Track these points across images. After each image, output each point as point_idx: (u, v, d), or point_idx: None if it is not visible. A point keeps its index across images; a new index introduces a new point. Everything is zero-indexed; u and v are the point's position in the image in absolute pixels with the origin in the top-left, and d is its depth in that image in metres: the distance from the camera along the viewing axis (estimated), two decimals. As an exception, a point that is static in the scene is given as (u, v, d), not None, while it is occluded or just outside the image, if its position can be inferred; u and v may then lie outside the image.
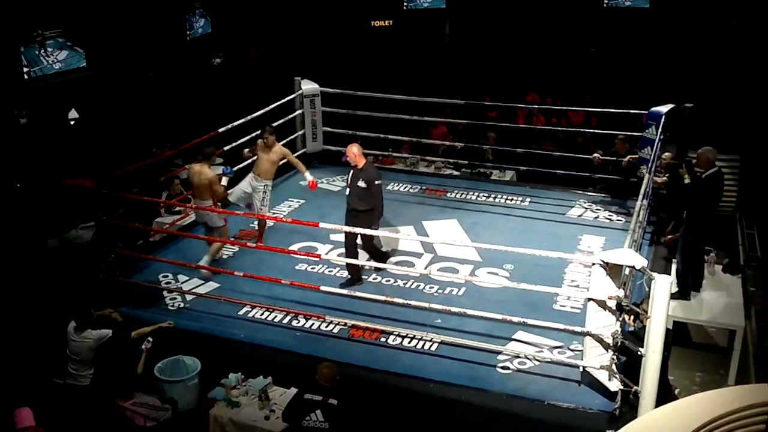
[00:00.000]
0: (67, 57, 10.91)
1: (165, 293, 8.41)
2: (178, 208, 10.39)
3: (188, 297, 8.32)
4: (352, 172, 8.38)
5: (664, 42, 14.69)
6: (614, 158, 10.72)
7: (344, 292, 7.92)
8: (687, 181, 8.11)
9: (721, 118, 12.21)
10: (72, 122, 11.20)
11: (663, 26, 14.80)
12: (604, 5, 15.68)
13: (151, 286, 8.47)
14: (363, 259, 8.69)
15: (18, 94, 10.26)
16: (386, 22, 16.58)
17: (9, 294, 8.28)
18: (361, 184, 8.22)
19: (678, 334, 8.14)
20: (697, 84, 13.20)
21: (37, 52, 10.47)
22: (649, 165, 9.31)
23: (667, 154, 9.72)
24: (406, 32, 16.54)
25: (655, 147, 9.46)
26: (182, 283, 8.61)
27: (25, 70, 10.35)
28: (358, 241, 8.50)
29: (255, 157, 9.45)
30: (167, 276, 8.76)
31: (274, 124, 10.91)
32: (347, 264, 8.51)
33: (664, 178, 9.52)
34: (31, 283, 8.54)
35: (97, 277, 8.34)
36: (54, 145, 10.93)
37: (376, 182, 8.23)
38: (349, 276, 8.52)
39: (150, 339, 7.02)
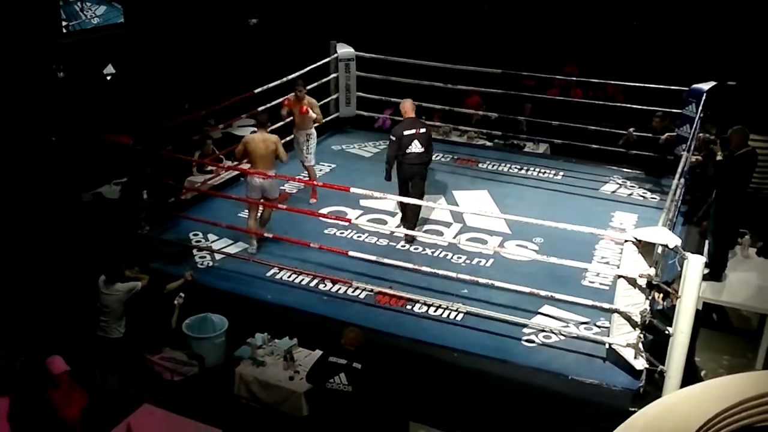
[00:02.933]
0: (105, 12, 10.93)
1: (195, 251, 8.50)
2: (210, 168, 10.45)
3: (217, 256, 8.40)
4: None
5: (709, 18, 14.30)
6: (650, 135, 10.54)
7: (372, 258, 7.93)
8: (719, 157, 7.98)
9: (764, 97, 11.91)
10: (108, 77, 11.26)
11: (708, 1, 14.40)
12: (649, -23, 15.27)
13: (182, 244, 8.57)
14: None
15: (57, 49, 10.31)
16: (425, -13, 16.32)
17: (42, 246, 8.42)
18: None
19: (707, 316, 8.05)
20: (741, 62, 12.86)
21: (77, 7, 10.49)
22: (688, 143, 9.13)
23: (705, 134, 9.52)
24: (444, -2, 16.28)
25: (694, 125, 9.27)
26: (212, 242, 8.69)
27: (64, 24, 10.39)
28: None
29: (290, 116, 9.61)
30: (197, 234, 8.85)
31: (308, 88, 10.91)
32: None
33: (698, 157, 9.35)
34: (64, 236, 8.67)
35: (128, 233, 8.44)
36: (90, 100, 11.00)
37: (390, 136, 8.67)
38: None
39: (182, 294, 7.14)
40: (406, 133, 8.59)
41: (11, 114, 9.37)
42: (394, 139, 8.58)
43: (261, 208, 8.59)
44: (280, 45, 14.01)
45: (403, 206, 8.85)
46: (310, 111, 9.54)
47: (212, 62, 13.04)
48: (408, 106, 8.84)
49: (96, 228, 8.83)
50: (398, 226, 8.96)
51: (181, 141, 9.91)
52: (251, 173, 8.40)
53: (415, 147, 8.60)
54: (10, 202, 8.88)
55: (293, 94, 9.57)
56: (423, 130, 8.69)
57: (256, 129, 8.71)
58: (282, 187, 9.95)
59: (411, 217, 8.76)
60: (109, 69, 11.19)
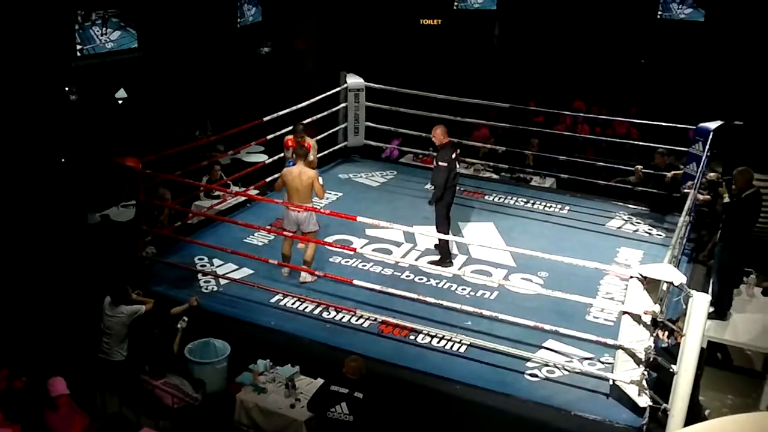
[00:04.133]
0: (119, 37, 11.05)
1: (199, 276, 8.51)
2: (217, 193, 10.50)
3: (222, 281, 8.40)
4: None
5: (717, 57, 14.42)
6: (653, 171, 10.59)
7: (377, 287, 7.93)
8: (726, 200, 8.01)
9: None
10: (120, 102, 11.37)
11: (717, 41, 14.53)
12: (658, 17, 15.44)
13: (187, 268, 8.58)
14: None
15: (70, 71, 10.43)
16: (435, 20, 16.54)
17: (48, 267, 8.43)
18: (434, 163, 8.88)
19: (712, 355, 8.01)
20: (748, 102, 12.94)
21: (92, 32, 10.61)
22: (694, 181, 9.16)
23: (711, 174, 9.56)
24: (454, 32, 16.47)
25: (701, 163, 9.31)
26: (217, 267, 8.70)
27: (78, 47, 10.51)
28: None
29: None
30: (203, 259, 8.87)
31: (317, 117, 11.00)
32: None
33: (707, 197, 9.38)
34: (70, 257, 8.70)
35: (134, 256, 8.46)
36: (100, 123, 11.09)
37: (440, 163, 8.71)
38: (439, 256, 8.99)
39: (185, 318, 7.13)
40: (453, 156, 8.80)
41: (22, 134, 9.45)
42: (445, 165, 8.68)
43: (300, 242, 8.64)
44: (290, 74, 14.16)
45: (443, 242, 8.86)
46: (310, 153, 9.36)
47: (223, 89, 13.17)
48: (441, 132, 8.88)
49: (102, 250, 8.87)
50: (435, 263, 8.86)
51: (190, 166, 9.98)
52: (287, 206, 8.26)
53: (458, 167, 8.96)
54: (18, 221, 8.91)
55: (293, 137, 9.49)
56: (458, 150, 9.07)
57: (294, 161, 8.58)
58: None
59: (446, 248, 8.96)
60: (121, 93, 11.29)
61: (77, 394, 6.37)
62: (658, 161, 10.63)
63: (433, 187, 8.91)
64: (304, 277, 8.38)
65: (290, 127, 10.31)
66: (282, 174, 8.45)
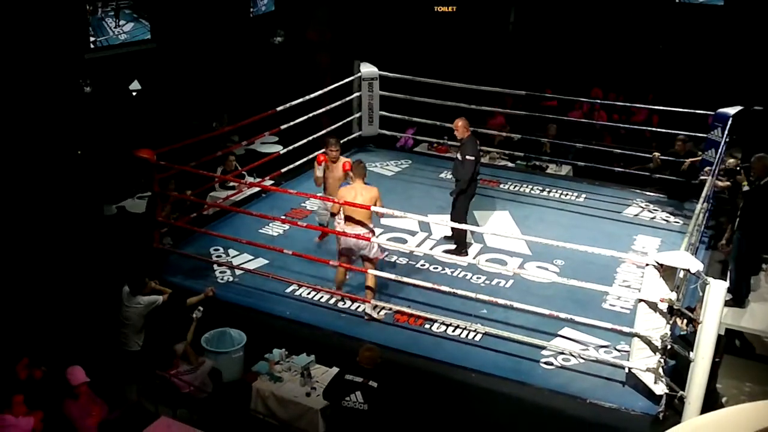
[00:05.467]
0: (132, 29, 11.08)
1: (215, 266, 8.54)
2: (232, 184, 10.53)
3: (237, 272, 8.43)
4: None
5: (737, 42, 14.21)
6: (673, 159, 10.48)
7: (391, 276, 7.91)
8: (746, 188, 7.91)
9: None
10: (134, 93, 11.40)
11: (736, 25, 14.31)
12: (676, 1, 15.23)
13: (202, 259, 8.62)
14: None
15: (84, 63, 10.47)
16: (450, 8, 16.40)
17: (66, 259, 8.50)
18: (458, 156, 8.76)
19: (730, 342, 7.94)
20: (768, 87, 12.76)
21: (106, 23, 10.64)
22: (713, 168, 9.05)
23: (731, 160, 9.44)
24: (469, 19, 16.34)
25: (719, 149, 9.20)
26: (232, 257, 8.73)
27: (92, 39, 10.54)
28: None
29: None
30: (218, 250, 8.90)
31: (331, 106, 10.95)
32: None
33: (727, 183, 9.27)
34: (87, 248, 8.76)
35: (150, 247, 8.51)
36: (115, 115, 11.14)
37: (467, 157, 8.58)
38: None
39: (200, 308, 7.17)
40: (478, 149, 8.79)
41: (38, 127, 9.51)
42: (473, 158, 8.60)
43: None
44: (304, 63, 14.12)
45: (459, 232, 8.74)
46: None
47: (236, 80, 13.17)
48: (463, 125, 8.72)
49: (119, 241, 8.92)
50: (451, 252, 8.81)
51: (205, 157, 10.01)
52: (344, 230, 7.73)
53: (479, 160, 8.88)
54: (36, 213, 8.99)
55: (324, 152, 8.76)
56: (478, 141, 9.04)
57: (350, 182, 7.98)
58: (303, 205, 9.99)
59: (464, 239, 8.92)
60: (135, 85, 11.32)
61: (95, 383, 6.43)
62: (679, 148, 10.51)
63: (455, 179, 8.84)
64: (372, 311, 7.68)
65: (301, 119, 10.31)
66: (339, 195, 7.79)
